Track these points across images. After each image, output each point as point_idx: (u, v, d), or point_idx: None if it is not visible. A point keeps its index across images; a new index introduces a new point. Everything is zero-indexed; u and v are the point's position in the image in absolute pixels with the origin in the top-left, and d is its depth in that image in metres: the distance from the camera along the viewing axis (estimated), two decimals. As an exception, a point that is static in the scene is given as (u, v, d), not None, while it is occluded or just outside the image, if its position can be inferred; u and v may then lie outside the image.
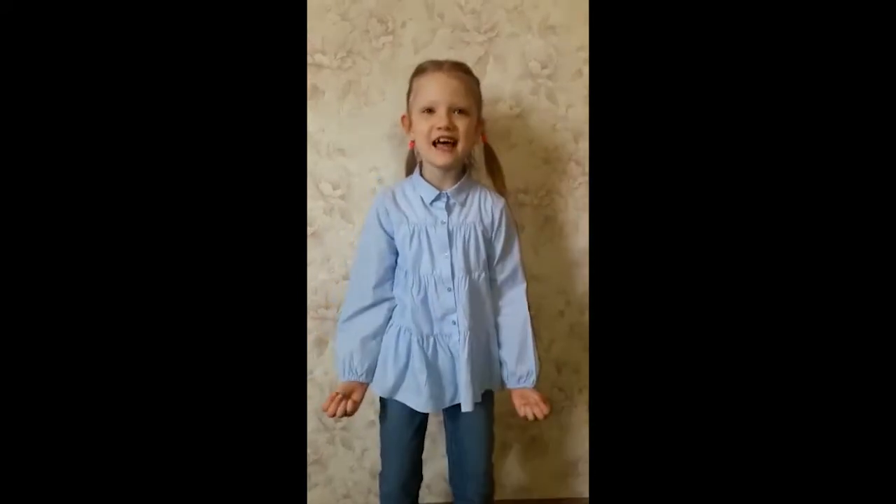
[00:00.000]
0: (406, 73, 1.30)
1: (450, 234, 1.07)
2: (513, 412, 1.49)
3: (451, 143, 1.03)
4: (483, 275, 1.10)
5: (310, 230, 1.38)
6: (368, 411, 1.44)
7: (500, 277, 1.14)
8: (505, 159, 1.32)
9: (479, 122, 1.12)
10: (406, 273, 1.09)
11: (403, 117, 1.13)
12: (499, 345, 1.14)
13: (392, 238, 1.11)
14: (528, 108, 1.38)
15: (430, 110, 1.04)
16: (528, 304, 1.14)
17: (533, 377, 1.11)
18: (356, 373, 1.08)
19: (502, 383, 1.15)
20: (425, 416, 1.16)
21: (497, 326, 1.14)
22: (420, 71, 1.08)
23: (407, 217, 1.09)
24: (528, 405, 1.06)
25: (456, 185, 1.09)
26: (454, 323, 1.07)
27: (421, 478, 1.22)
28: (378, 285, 1.11)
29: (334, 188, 1.37)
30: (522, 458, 1.55)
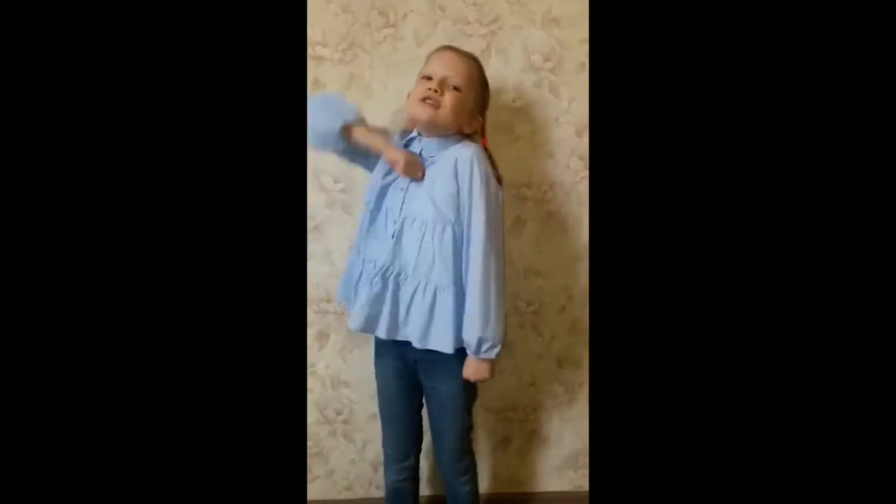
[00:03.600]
0: (408, 65, 1.30)
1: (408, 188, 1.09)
2: (513, 406, 1.52)
3: (436, 104, 1.05)
4: (441, 228, 1.04)
5: (311, 224, 1.38)
6: (370, 404, 1.44)
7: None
8: (507, 153, 1.31)
9: (476, 112, 1.12)
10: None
11: (409, 94, 1.12)
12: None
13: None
14: (530, 102, 1.37)
15: (427, 78, 1.08)
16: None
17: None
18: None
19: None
20: (415, 379, 1.17)
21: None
22: (434, 51, 1.13)
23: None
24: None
25: (434, 141, 1.10)
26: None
27: (421, 440, 1.26)
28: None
29: (336, 182, 1.36)
30: (522, 451, 1.56)
